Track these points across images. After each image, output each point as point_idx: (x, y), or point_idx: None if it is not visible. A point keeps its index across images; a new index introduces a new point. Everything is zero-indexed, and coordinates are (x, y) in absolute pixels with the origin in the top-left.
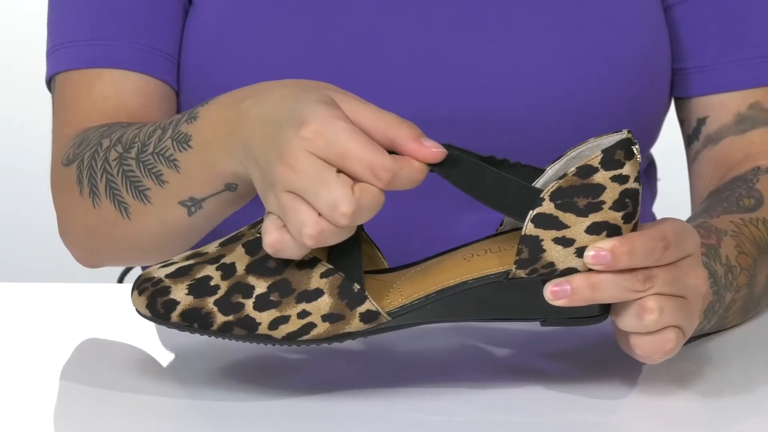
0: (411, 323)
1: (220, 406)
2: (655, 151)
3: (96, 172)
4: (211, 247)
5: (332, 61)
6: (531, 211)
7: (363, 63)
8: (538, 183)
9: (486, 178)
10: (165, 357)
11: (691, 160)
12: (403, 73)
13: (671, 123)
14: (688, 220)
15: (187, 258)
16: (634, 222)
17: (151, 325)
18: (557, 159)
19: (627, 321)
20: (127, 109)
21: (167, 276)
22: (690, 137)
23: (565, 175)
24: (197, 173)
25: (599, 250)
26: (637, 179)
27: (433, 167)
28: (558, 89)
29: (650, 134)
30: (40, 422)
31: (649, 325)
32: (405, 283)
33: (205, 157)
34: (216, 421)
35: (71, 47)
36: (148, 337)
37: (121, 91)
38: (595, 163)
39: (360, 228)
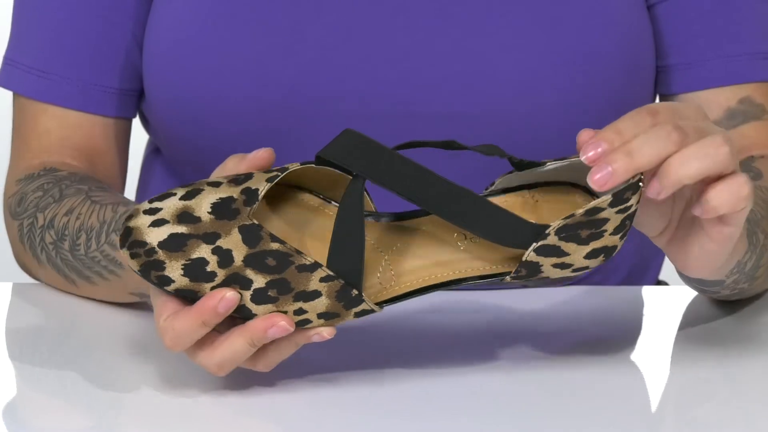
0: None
1: (217, 399)
2: None
3: (36, 245)
4: (203, 211)
5: (310, 50)
6: (535, 243)
7: (340, 54)
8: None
9: (486, 214)
10: (161, 354)
11: None
12: (382, 66)
13: None
14: None
15: (179, 218)
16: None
17: (151, 326)
18: (561, 159)
19: (695, 166)
20: (71, 141)
21: (160, 245)
22: None
23: (573, 215)
24: (138, 282)
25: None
26: (638, 201)
27: (429, 206)
28: (541, 85)
29: None
30: (33, 419)
31: (723, 157)
32: (396, 260)
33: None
34: (214, 414)
35: (21, 70)
36: (147, 338)
37: (63, 125)
38: (604, 205)
39: (362, 220)
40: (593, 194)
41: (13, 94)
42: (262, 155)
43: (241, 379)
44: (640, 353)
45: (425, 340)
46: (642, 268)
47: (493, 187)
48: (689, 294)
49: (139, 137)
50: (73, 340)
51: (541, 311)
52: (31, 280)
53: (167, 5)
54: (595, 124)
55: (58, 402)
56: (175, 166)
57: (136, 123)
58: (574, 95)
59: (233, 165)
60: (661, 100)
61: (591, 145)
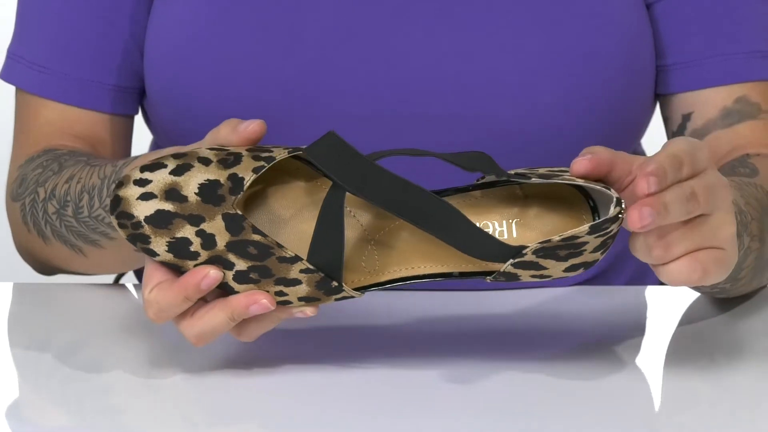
0: None
1: (217, 394)
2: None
3: (39, 220)
4: (190, 190)
5: (309, 50)
6: (512, 260)
7: (339, 54)
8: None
9: (464, 231)
10: (164, 354)
11: None
12: (381, 66)
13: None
14: None
15: (167, 194)
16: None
17: (150, 326)
18: (546, 173)
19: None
20: (72, 130)
21: (146, 220)
22: (675, 134)
23: (549, 240)
24: None
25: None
26: (619, 225)
27: (410, 217)
28: (540, 86)
29: (636, 128)
30: (35, 418)
31: (657, 259)
32: (383, 245)
33: None
34: (215, 409)
35: (23, 64)
36: (146, 338)
37: (64, 116)
38: (582, 233)
39: (342, 224)
40: (583, 191)
41: (16, 88)
42: (253, 128)
43: (254, 372)
44: (641, 353)
45: (424, 339)
46: (645, 269)
47: (483, 180)
48: (691, 294)
49: (140, 137)
50: (73, 339)
51: (543, 311)
52: (32, 280)
53: (167, 6)
54: (595, 125)
55: (60, 400)
56: None
57: (141, 124)
58: (574, 96)
59: (226, 133)
60: (660, 101)
61: (654, 181)
